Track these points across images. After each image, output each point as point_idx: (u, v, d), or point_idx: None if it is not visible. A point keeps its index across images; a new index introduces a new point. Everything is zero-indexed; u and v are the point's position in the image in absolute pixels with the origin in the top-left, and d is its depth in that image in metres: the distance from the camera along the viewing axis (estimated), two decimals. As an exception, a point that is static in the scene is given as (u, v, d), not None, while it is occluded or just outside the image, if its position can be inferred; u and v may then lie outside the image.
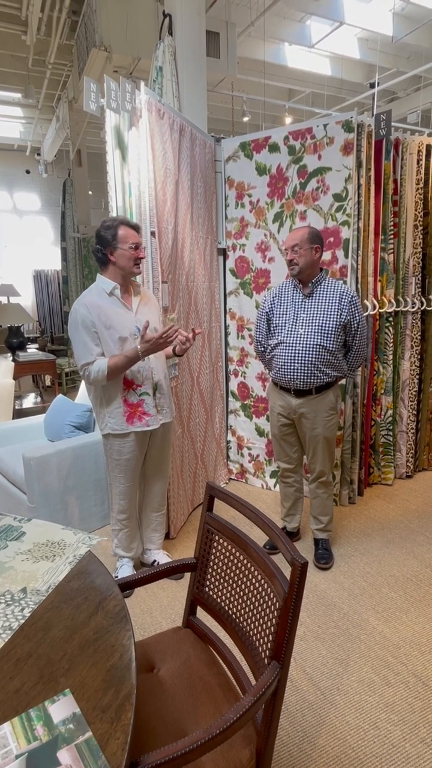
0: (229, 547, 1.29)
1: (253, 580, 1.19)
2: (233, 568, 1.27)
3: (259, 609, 1.15)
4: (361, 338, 2.35)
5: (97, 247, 2.08)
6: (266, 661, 1.09)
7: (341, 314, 2.28)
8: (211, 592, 1.35)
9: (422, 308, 3.38)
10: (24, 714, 0.82)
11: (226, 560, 1.30)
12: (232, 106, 6.15)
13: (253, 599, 1.18)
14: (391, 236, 3.13)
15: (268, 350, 2.47)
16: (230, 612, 1.28)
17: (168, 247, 2.58)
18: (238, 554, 1.26)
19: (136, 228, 2.11)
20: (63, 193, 7.90)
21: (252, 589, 1.19)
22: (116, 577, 2.33)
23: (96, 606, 1.08)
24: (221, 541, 1.32)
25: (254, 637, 1.17)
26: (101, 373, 2.05)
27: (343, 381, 2.73)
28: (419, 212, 3.23)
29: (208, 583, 1.37)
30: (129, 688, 0.87)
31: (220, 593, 1.32)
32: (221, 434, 3.48)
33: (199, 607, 1.42)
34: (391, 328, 3.23)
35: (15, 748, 0.76)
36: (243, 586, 1.23)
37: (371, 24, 5.53)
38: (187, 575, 2.36)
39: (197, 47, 3.23)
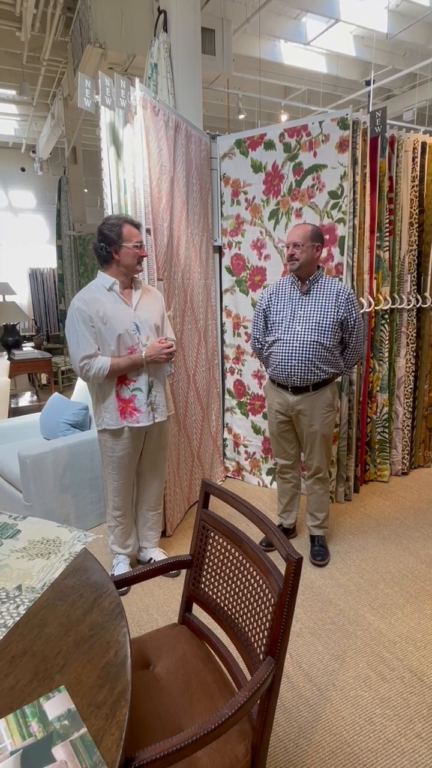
0: (225, 544, 1.29)
1: (249, 577, 1.19)
2: (228, 564, 1.27)
3: (255, 605, 1.16)
4: (358, 335, 2.36)
5: (102, 245, 2.06)
6: (261, 656, 1.09)
7: (338, 311, 2.29)
8: (206, 589, 1.36)
9: (417, 305, 3.39)
10: (19, 711, 0.82)
11: (221, 557, 1.30)
12: (227, 103, 6.14)
13: (249, 595, 1.19)
14: (387, 233, 3.13)
15: (265, 347, 2.47)
16: (226, 608, 1.28)
17: (163, 244, 2.57)
18: (233, 551, 1.26)
19: (138, 226, 2.12)
20: (58, 190, 7.87)
21: (247, 585, 1.20)
22: (112, 574, 2.33)
23: (91, 603, 1.08)
24: (216, 537, 1.32)
25: (249, 633, 1.17)
26: (102, 370, 2.05)
27: (339, 378, 2.74)
28: (414, 209, 3.24)
29: (203, 579, 1.37)
30: (124, 684, 0.87)
31: (215, 590, 1.32)
32: (217, 432, 3.48)
33: (195, 604, 1.43)
34: (386, 326, 3.24)
35: (10, 745, 0.76)
36: (238, 583, 1.23)
37: (367, 21, 5.52)
38: (184, 572, 2.36)
39: (192, 44, 3.22)
